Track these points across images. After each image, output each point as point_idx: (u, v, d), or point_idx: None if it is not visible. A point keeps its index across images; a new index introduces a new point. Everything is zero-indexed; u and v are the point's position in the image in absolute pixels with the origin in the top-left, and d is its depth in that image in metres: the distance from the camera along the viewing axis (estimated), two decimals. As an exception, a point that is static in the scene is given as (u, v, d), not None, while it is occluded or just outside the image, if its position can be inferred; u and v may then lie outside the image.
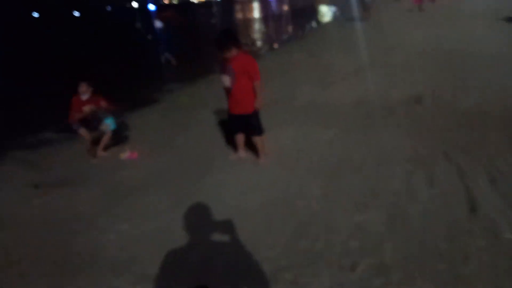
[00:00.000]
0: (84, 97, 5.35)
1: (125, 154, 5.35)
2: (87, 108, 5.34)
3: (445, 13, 17.61)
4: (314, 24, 24.17)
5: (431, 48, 9.78)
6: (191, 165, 4.78)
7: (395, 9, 22.82)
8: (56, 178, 4.95)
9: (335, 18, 25.39)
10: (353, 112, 5.97)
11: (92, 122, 5.44)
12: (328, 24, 22.32)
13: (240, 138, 4.57)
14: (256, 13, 50.50)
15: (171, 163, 4.95)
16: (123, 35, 31.16)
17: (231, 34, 4.09)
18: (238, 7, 69.82)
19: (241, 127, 4.40)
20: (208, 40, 20.72)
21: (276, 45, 16.84)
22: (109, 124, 5.50)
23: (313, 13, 33.63)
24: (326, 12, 32.17)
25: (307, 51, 11.61)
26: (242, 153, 4.69)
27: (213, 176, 4.33)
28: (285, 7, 51.70)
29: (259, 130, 4.33)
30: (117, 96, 9.40)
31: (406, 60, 8.83)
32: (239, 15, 47.77)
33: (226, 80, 4.05)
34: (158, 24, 13.90)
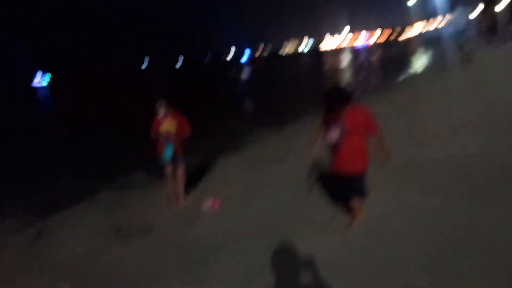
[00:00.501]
0: (161, 115, 5.27)
1: (207, 204, 5.29)
2: (164, 126, 5.22)
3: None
4: (405, 74, 23.19)
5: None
6: (273, 226, 4.49)
7: (500, 54, 20.71)
8: (138, 225, 5.06)
9: (430, 67, 24.09)
10: (457, 177, 5.11)
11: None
12: (421, 73, 21.12)
13: (346, 202, 4.08)
14: (344, 63, 50.67)
15: (251, 222, 4.74)
16: (217, 85, 33.38)
17: (343, 93, 3.62)
18: (326, 58, 71.02)
19: (345, 189, 3.96)
20: (294, 90, 20.81)
21: (361, 96, 16.37)
22: (166, 153, 5.23)
23: (405, 62, 32.47)
24: (419, 61, 30.87)
25: (396, 104, 10.91)
26: (350, 219, 4.19)
27: (294, 243, 3.97)
28: (375, 57, 51.09)
29: (364, 193, 3.88)
30: (200, 141, 9.86)
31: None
32: (327, 66, 48.36)
33: (333, 136, 3.68)
34: (244, 75, 14.52)
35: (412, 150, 6.47)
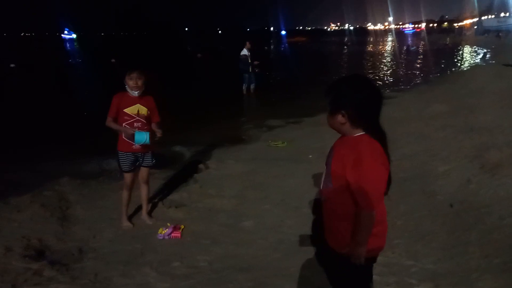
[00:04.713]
0: (134, 94, 3.57)
1: (165, 231, 3.70)
2: (135, 110, 3.59)
3: None
4: (457, 65, 20.43)
5: None
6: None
7: None
8: (67, 248, 3.56)
9: (485, 61, 21.07)
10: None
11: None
12: (477, 68, 18.03)
13: None
14: (388, 46, 47.17)
15: (226, 268, 3.13)
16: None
17: (354, 85, 1.83)
18: (371, 38, 67.39)
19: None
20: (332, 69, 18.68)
21: (405, 86, 14.12)
22: (142, 138, 3.52)
23: (456, 52, 29.20)
24: (472, 53, 27.53)
25: (449, 102, 8.65)
26: None
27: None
28: (423, 43, 47.18)
29: None
30: (196, 126, 8.32)
31: None
32: (369, 47, 45.11)
33: (322, 179, 1.99)
34: (245, 51, 12.23)
35: (477, 176, 4.43)
